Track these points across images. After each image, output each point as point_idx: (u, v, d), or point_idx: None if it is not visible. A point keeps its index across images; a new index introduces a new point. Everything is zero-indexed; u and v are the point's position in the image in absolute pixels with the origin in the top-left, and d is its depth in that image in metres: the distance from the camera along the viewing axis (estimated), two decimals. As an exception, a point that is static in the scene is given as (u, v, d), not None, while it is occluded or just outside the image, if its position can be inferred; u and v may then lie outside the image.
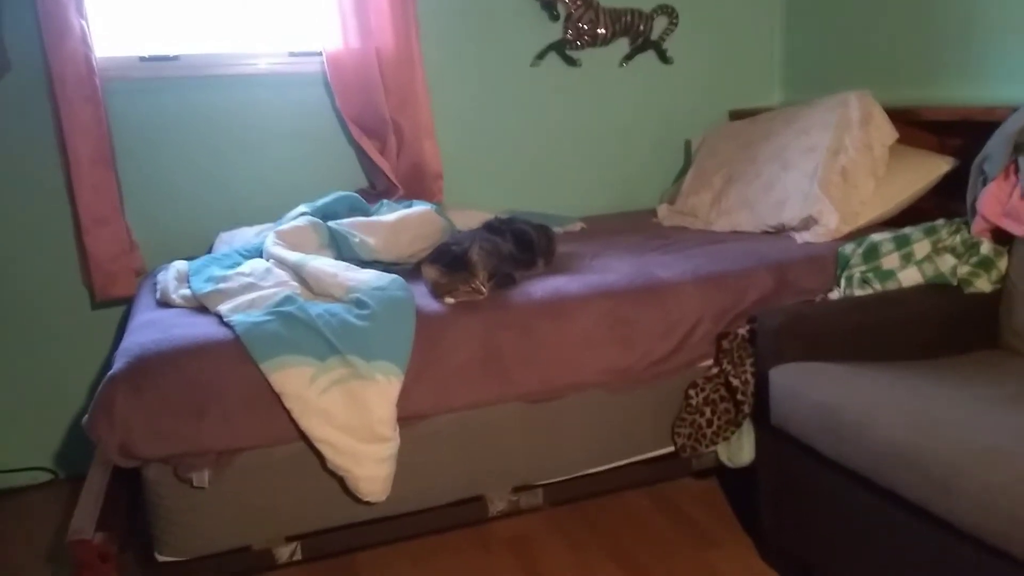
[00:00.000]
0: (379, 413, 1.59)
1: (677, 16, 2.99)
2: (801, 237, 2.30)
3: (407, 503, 1.75)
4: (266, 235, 2.11)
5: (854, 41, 2.77)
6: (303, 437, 1.60)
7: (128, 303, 2.38)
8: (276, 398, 1.58)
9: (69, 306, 2.45)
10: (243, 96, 2.54)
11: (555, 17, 2.83)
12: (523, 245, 2.07)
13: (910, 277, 1.92)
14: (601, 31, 2.88)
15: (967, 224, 1.94)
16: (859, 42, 2.75)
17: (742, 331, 1.92)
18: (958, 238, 1.93)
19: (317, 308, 1.69)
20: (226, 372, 1.58)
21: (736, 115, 3.09)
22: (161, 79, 2.46)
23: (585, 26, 2.85)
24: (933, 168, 2.31)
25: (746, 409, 1.89)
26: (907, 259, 1.94)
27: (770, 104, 3.17)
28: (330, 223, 2.13)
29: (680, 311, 1.92)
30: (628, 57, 2.97)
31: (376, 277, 1.81)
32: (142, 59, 2.45)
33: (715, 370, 1.94)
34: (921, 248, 1.94)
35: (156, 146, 2.47)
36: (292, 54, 2.59)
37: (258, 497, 1.64)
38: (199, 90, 2.49)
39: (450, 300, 1.81)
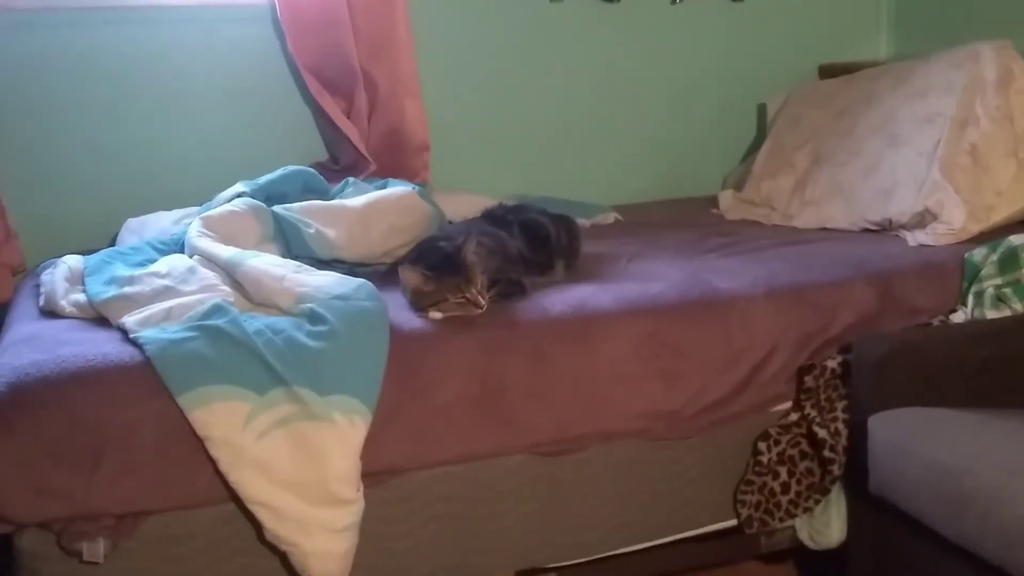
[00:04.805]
0: (337, 466, 1.59)
1: (750, -63, 3.01)
2: (914, 238, 2.29)
3: (373, 590, 1.75)
4: (189, 223, 2.11)
5: (990, -26, 2.78)
6: (234, 497, 1.60)
7: (1, 311, 2.39)
8: (199, 443, 1.57)
9: (-78, 314, 2.46)
10: (160, 37, 2.55)
11: (585, -65, 2.85)
12: (536, 242, 2.07)
13: (1062, 295, 1.92)
14: (647, -45, 2.89)
15: None
16: (996, -25, 2.76)
17: (832, 364, 1.92)
18: None
19: (256, 323, 1.69)
20: (131, 408, 1.58)
21: (828, 71, 3.09)
22: (49, 12, 2.46)
23: (625, -52, 2.86)
24: (1096, 147, 2.31)
25: (835, 470, 1.88)
26: (1058, 270, 1.94)
27: (875, 58, 3.16)
28: (276, 208, 2.13)
29: (747, 336, 1.91)
30: (683, -10, 2.99)
31: (337, 282, 1.81)
32: (25, -17, 2.48)
33: (794, 417, 1.93)
34: (1078, 256, 1.94)
35: (41, 103, 2.48)
36: (229, -20, 2.62)
37: (171, 577, 1.64)
38: (100, 28, 2.50)
39: (436, 314, 1.81)
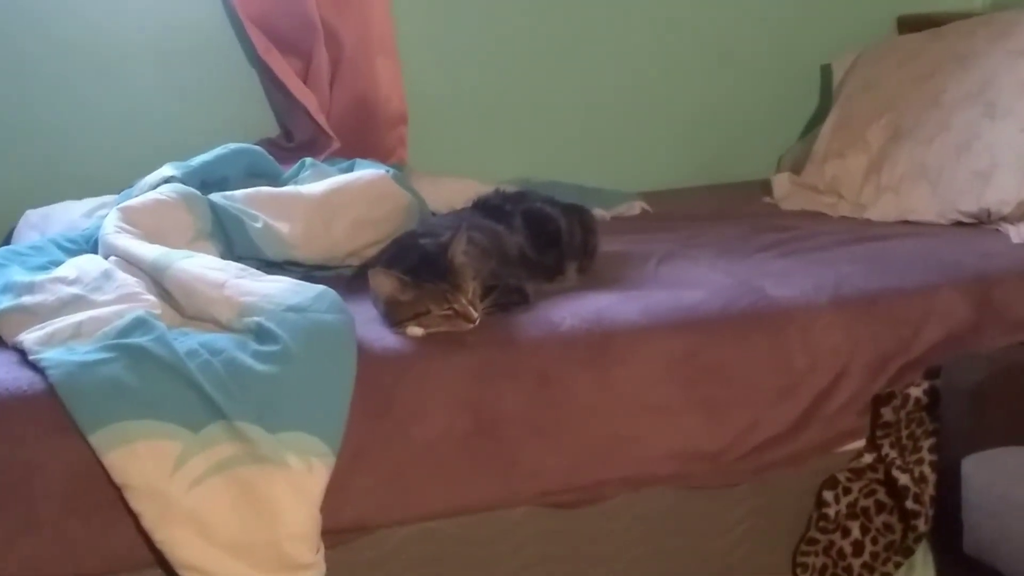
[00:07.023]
0: (292, 522, 1.58)
1: None
2: (1019, 233, 2.30)
3: None
4: (105, 215, 2.12)
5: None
6: (161, 561, 1.59)
7: None
8: (116, 493, 1.57)
9: None
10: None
11: None
12: (542, 239, 2.08)
13: None
14: None
15: None
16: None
17: (916, 393, 1.92)
18: None
19: (189, 341, 1.69)
20: (31, 448, 1.58)
21: (909, 24, 3.10)
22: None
23: None
24: None
25: (921, 525, 1.88)
26: None
27: (967, 8, 3.17)
28: (214, 196, 2.14)
29: (809, 357, 1.92)
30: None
31: (290, 290, 1.81)
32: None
33: (869, 459, 1.94)
34: None
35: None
36: (155, -90, 2.63)
37: (81, 663, 1.64)
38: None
39: (416, 330, 1.81)
